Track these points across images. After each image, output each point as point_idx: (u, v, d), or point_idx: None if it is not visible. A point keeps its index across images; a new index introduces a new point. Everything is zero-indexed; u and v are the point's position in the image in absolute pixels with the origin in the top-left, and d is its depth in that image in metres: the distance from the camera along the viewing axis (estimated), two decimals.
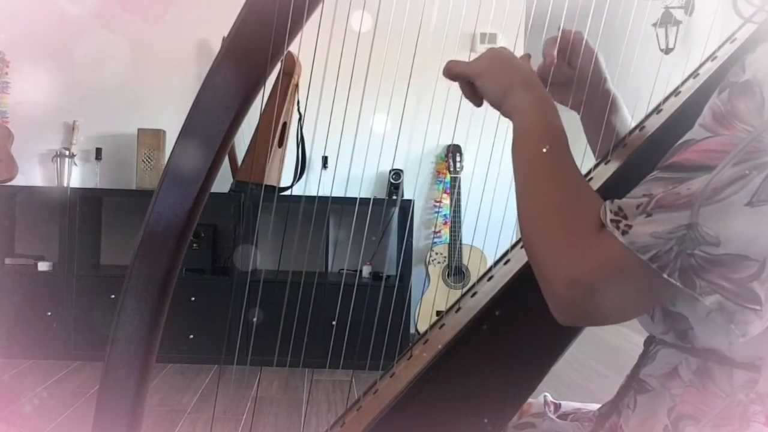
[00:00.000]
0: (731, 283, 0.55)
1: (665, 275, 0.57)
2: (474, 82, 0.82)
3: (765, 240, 0.54)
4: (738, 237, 0.54)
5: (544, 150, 0.71)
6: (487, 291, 0.90)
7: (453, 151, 3.72)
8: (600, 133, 1.00)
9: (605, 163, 0.94)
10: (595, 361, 3.49)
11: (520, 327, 0.84)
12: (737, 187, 0.54)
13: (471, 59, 0.83)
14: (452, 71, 0.83)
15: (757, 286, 0.55)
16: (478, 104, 0.84)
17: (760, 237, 0.54)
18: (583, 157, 1.00)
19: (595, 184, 0.87)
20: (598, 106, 1.00)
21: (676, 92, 0.95)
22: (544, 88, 0.79)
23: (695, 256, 0.56)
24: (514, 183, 0.73)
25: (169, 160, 0.80)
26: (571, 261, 0.62)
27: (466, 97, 0.84)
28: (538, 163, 0.72)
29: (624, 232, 0.58)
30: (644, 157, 0.85)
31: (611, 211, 0.61)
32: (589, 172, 0.95)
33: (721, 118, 0.58)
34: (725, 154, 0.56)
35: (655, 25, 4.26)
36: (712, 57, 0.92)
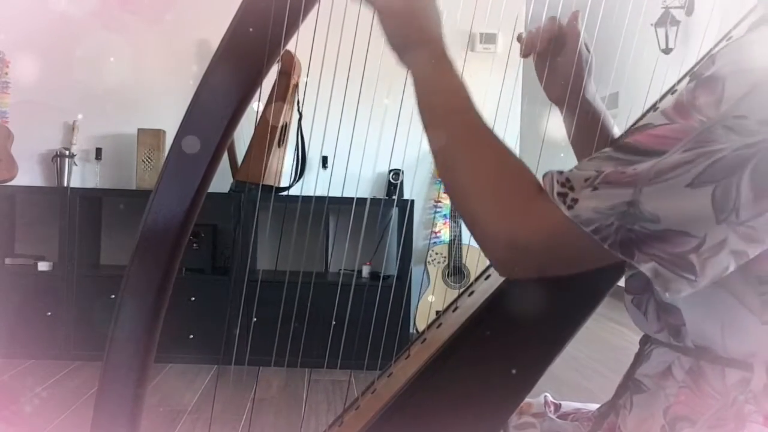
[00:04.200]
0: (669, 255, 0.58)
1: (606, 246, 0.59)
2: (377, 15, 0.78)
3: (703, 219, 0.56)
4: (676, 215, 0.57)
5: (458, 110, 0.73)
6: (484, 290, 0.90)
7: None
8: (582, 131, 1.01)
9: None
10: (595, 361, 3.49)
11: (518, 325, 0.84)
12: (681, 170, 0.56)
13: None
14: None
15: (695, 258, 0.57)
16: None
17: (698, 216, 0.56)
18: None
19: None
20: (582, 104, 1.01)
21: (672, 90, 0.95)
22: (444, 45, 0.77)
23: (635, 231, 0.58)
24: (427, 136, 0.73)
25: (166, 159, 0.80)
26: (513, 225, 0.64)
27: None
28: (455, 124, 0.72)
29: (570, 207, 0.61)
30: None
31: (558, 182, 0.63)
32: None
33: (680, 107, 0.60)
34: (677, 141, 0.58)
35: (654, 25, 4.26)
36: (708, 55, 0.92)
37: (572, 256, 0.64)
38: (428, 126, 0.74)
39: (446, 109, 0.74)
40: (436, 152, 0.73)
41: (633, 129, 0.64)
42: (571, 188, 0.61)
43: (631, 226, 0.58)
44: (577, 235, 0.60)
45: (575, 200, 0.60)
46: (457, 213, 0.71)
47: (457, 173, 0.70)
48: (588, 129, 1.01)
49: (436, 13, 0.78)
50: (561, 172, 0.63)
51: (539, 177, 0.67)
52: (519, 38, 0.99)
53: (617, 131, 1.02)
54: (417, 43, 0.76)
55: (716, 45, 0.76)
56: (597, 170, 0.61)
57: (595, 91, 1.02)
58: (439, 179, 4.02)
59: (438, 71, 0.75)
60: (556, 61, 0.99)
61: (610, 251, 0.59)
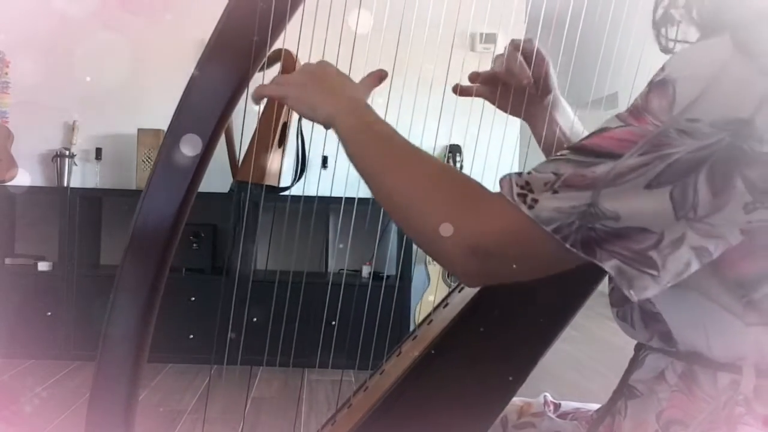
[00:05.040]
0: (630, 252, 0.59)
1: (568, 245, 0.60)
2: (284, 103, 0.84)
3: (661, 215, 0.57)
4: (636, 213, 0.58)
5: (386, 141, 0.76)
6: None
7: (453, 151, 3.72)
8: (551, 144, 1.02)
9: None
10: (595, 361, 3.49)
11: (507, 320, 0.84)
12: (639, 173, 0.58)
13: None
14: (259, 94, 0.85)
15: (655, 254, 0.58)
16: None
17: (657, 213, 0.57)
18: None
19: None
20: (545, 114, 1.03)
21: None
22: (352, 90, 0.83)
23: (596, 230, 0.59)
24: (365, 179, 0.75)
25: (156, 160, 0.80)
26: (470, 231, 0.64)
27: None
28: (387, 154, 0.75)
29: (530, 207, 0.61)
30: None
31: (517, 185, 0.63)
32: None
33: (635, 111, 0.61)
34: (633, 144, 0.59)
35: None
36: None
37: (534, 258, 0.64)
38: (361, 164, 0.76)
39: (374, 142, 0.76)
40: (376, 186, 0.74)
41: (590, 133, 0.64)
42: (531, 190, 0.62)
43: (592, 224, 0.59)
44: (537, 234, 0.61)
45: (535, 201, 0.61)
46: (413, 240, 0.72)
47: (403, 198, 0.70)
48: (560, 140, 1.02)
49: (339, 73, 0.85)
50: (519, 175, 0.64)
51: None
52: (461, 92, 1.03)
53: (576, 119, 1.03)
54: (323, 96, 0.81)
55: (699, 38, 0.76)
56: (555, 173, 0.62)
57: (561, 99, 1.04)
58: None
59: (353, 111, 0.79)
60: (522, 83, 1.00)
61: (573, 251, 0.60)
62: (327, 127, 0.81)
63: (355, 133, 0.78)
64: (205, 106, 0.79)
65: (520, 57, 0.98)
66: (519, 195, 0.62)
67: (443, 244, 0.66)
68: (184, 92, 0.79)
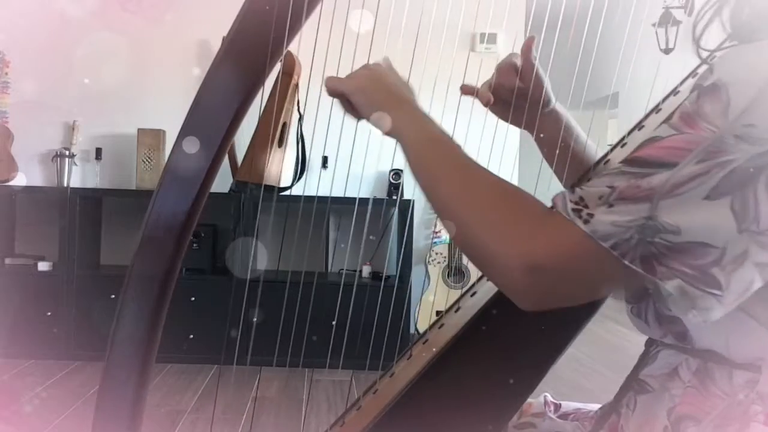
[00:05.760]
0: (692, 269, 0.56)
1: (626, 261, 0.57)
2: (349, 99, 0.83)
3: (723, 229, 0.55)
4: (697, 226, 0.56)
5: (447, 154, 0.74)
6: (486, 290, 0.90)
7: None
8: (553, 154, 1.01)
9: (604, 163, 0.94)
10: (595, 361, 3.49)
11: (519, 326, 0.84)
12: (697, 183, 0.56)
13: (351, 74, 0.85)
14: (328, 86, 0.85)
15: (718, 271, 0.56)
16: (357, 118, 0.85)
17: (719, 226, 0.55)
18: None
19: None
20: (547, 127, 1.02)
21: (675, 92, 0.95)
22: (415, 102, 0.81)
23: (655, 244, 0.57)
24: (425, 192, 0.73)
25: (168, 160, 0.80)
26: (527, 248, 0.62)
27: (346, 111, 0.85)
28: (448, 168, 0.73)
29: (586, 221, 0.59)
30: None
31: (571, 201, 0.61)
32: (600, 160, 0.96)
33: (687, 117, 0.59)
34: (688, 152, 0.57)
35: (655, 25, 4.26)
36: (710, 57, 0.93)
37: (592, 277, 0.62)
38: (423, 177, 0.74)
39: (435, 156, 0.74)
40: (436, 199, 0.72)
41: (640, 144, 0.63)
42: (585, 205, 0.60)
43: (651, 238, 0.56)
44: (594, 250, 0.58)
45: (591, 215, 0.59)
46: (469, 258, 0.70)
47: (461, 213, 0.68)
48: (562, 150, 1.01)
49: (399, 80, 0.84)
50: (573, 191, 0.62)
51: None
52: (465, 90, 1.02)
53: (598, 151, 1.03)
54: (389, 107, 0.79)
55: (718, 46, 0.76)
56: (609, 186, 0.60)
57: (564, 112, 1.03)
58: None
59: (417, 124, 0.77)
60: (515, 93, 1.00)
61: (632, 268, 0.57)
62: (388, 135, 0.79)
63: (419, 143, 0.76)
64: (219, 105, 0.78)
65: (518, 74, 0.97)
66: (574, 210, 0.60)
67: (499, 262, 0.64)
68: (198, 92, 0.78)
